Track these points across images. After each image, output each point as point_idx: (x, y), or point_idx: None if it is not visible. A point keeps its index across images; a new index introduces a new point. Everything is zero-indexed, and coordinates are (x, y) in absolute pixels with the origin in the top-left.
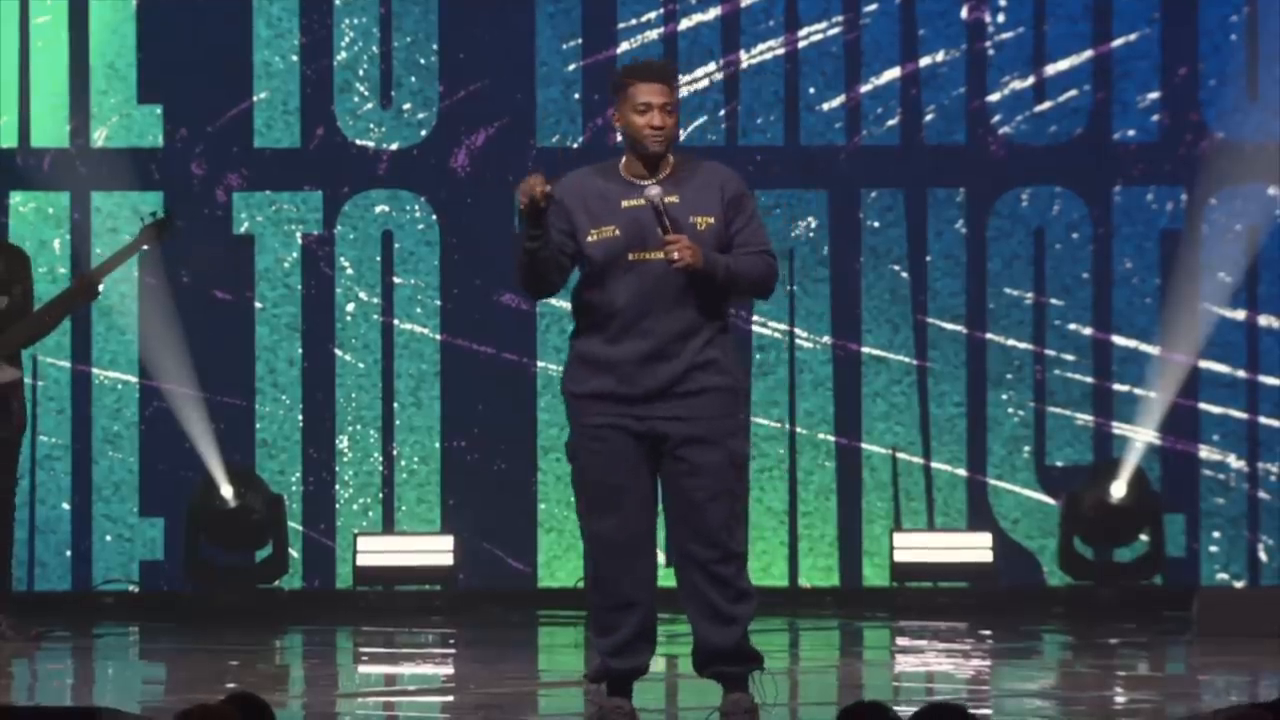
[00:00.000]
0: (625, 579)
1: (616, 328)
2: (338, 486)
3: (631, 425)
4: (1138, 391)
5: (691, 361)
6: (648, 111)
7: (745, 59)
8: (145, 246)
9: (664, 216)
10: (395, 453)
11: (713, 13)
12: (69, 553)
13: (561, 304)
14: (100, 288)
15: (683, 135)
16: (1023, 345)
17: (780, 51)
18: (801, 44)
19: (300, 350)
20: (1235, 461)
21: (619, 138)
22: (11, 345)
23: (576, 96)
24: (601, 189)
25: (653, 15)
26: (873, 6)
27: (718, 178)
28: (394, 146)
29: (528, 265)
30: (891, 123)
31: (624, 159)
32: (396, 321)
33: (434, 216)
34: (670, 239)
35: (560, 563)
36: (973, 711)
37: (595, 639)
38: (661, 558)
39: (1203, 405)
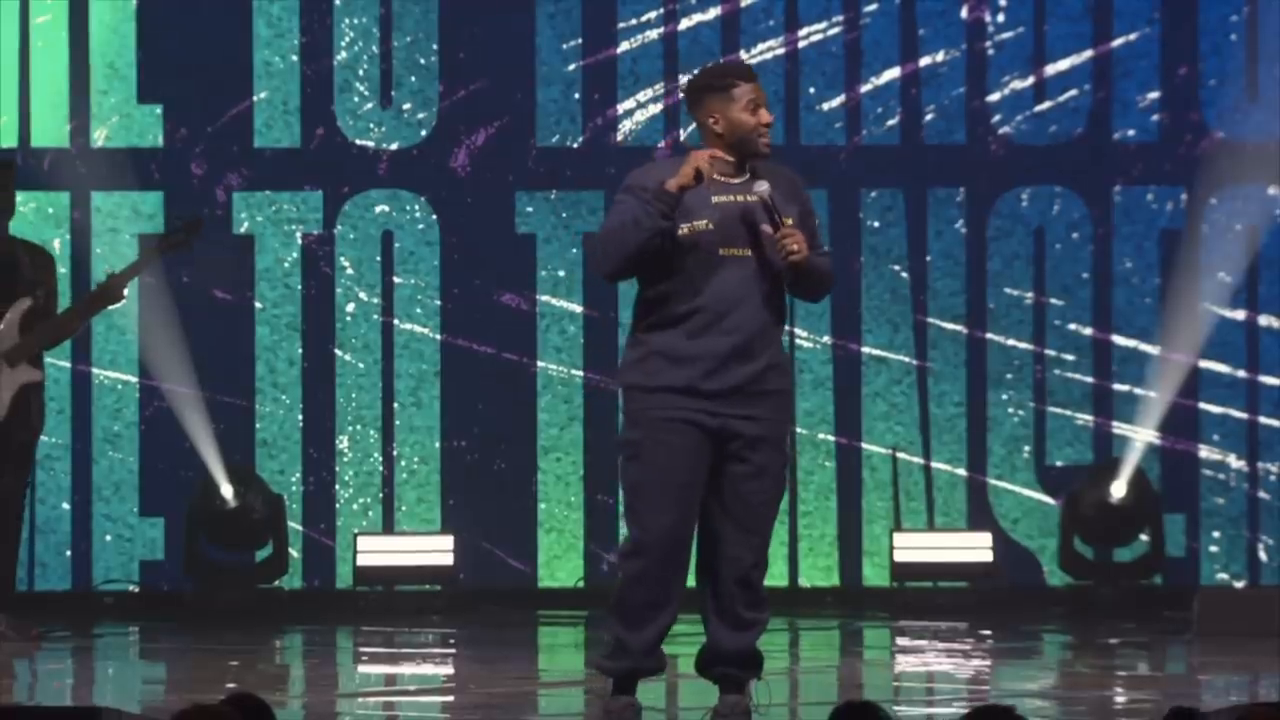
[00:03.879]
0: (674, 576)
1: (701, 322)
2: (338, 486)
3: (705, 421)
4: (1138, 391)
5: (769, 361)
6: (759, 109)
7: (745, 58)
8: (170, 254)
9: (776, 212)
10: (395, 453)
11: (713, 13)
12: (69, 553)
13: (562, 303)
14: (125, 292)
15: (683, 135)
16: (1023, 345)
17: (780, 51)
18: (801, 44)
19: (300, 350)
20: (1235, 461)
21: (619, 138)
22: (35, 347)
23: (576, 96)
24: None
25: (653, 15)
26: (873, 6)
27: (793, 181)
28: (394, 146)
29: (644, 244)
30: (891, 122)
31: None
32: (396, 321)
33: (434, 216)
34: (786, 232)
35: (560, 563)
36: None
37: (625, 633)
38: None
39: (1203, 405)
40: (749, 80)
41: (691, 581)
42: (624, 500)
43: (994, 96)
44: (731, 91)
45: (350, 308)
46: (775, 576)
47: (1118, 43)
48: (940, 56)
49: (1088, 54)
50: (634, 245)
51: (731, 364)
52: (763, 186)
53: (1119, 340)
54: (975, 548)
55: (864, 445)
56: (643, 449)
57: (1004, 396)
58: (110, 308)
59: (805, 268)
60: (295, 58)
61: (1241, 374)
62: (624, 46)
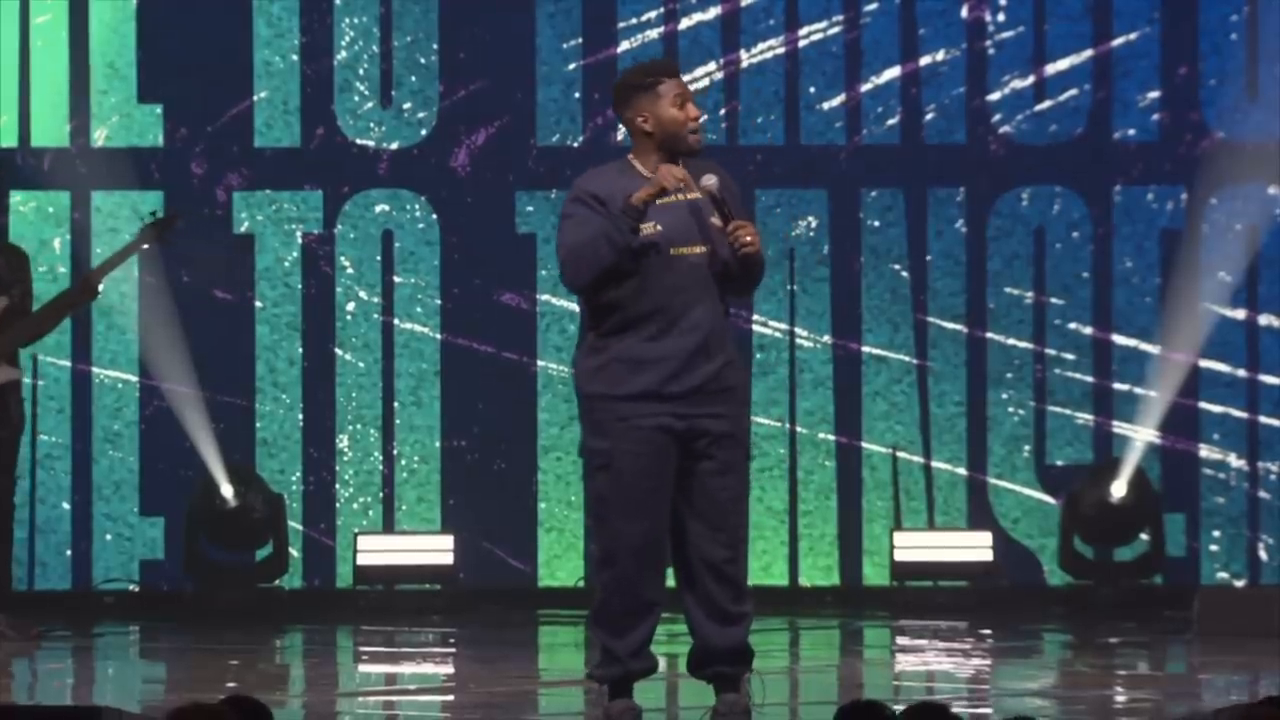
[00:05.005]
0: (650, 581)
1: (659, 324)
2: (338, 486)
3: (673, 424)
4: (1138, 391)
5: (726, 358)
6: (686, 103)
7: (745, 58)
8: (145, 246)
9: (724, 205)
10: (395, 452)
11: (713, 12)
12: (69, 552)
13: (562, 303)
14: (100, 288)
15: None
16: (1023, 344)
17: (780, 51)
18: (801, 43)
19: (300, 350)
20: (1235, 461)
21: (619, 137)
22: (11, 345)
23: (576, 96)
24: (630, 188)
25: (653, 15)
26: (873, 6)
27: (726, 177)
28: (394, 146)
29: (618, 260)
30: (891, 122)
31: (638, 159)
32: (396, 321)
33: (434, 216)
34: (738, 225)
35: (560, 562)
36: (957, 711)
37: (610, 641)
38: None
39: (1203, 404)
40: (674, 76)
41: (671, 583)
42: (591, 510)
43: (994, 96)
44: (657, 89)
45: (350, 307)
46: (775, 576)
47: (1118, 42)
48: (940, 56)
49: (1088, 54)
50: (609, 261)
51: (694, 364)
52: (710, 180)
53: (1119, 340)
54: (975, 547)
55: (864, 445)
56: (612, 458)
57: (1004, 396)
58: (90, 303)
59: (757, 259)
60: (295, 57)
61: (1241, 373)
62: (624, 46)
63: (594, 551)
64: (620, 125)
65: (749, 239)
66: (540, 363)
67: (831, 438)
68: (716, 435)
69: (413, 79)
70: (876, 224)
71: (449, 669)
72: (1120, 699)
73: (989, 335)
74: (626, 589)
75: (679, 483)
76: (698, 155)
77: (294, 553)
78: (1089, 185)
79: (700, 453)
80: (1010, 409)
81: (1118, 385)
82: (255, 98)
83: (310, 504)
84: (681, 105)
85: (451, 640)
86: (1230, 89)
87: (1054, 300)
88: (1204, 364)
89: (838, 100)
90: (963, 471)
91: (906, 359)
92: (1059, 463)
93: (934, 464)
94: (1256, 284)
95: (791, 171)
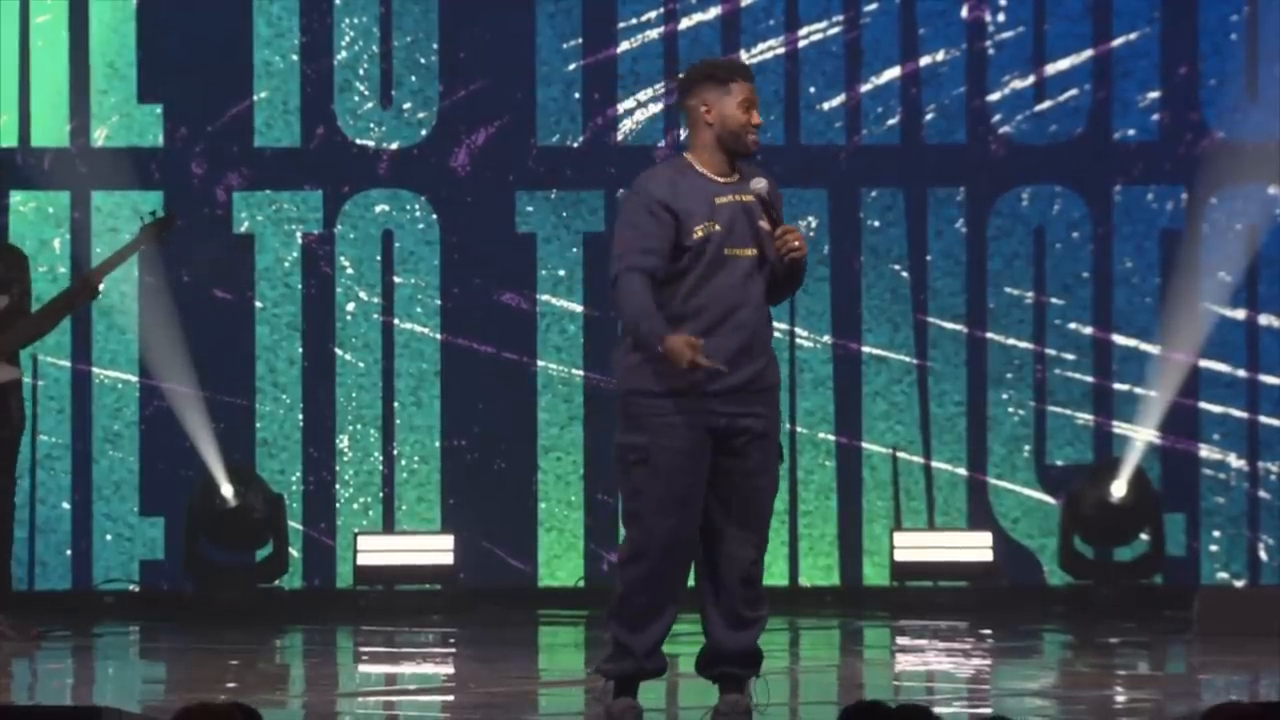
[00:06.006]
0: (676, 579)
1: (708, 321)
2: (338, 486)
3: (712, 422)
4: (1138, 391)
5: (768, 358)
6: (751, 109)
7: (745, 58)
8: (145, 246)
9: (773, 209)
10: (395, 452)
11: (713, 12)
12: (69, 552)
13: (562, 303)
14: (100, 287)
15: (682, 134)
16: (1023, 344)
17: (780, 51)
18: (802, 43)
19: (300, 350)
20: (1235, 461)
21: (619, 137)
22: (11, 345)
23: (576, 96)
24: (693, 186)
25: (653, 15)
26: (873, 6)
27: (774, 182)
28: (394, 146)
29: (636, 340)
30: (891, 122)
31: (695, 157)
32: (396, 321)
33: (434, 216)
34: (788, 228)
35: (560, 562)
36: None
37: (626, 636)
38: None
39: (1203, 404)
40: (748, 80)
41: (690, 581)
42: (626, 504)
43: (994, 96)
44: (730, 85)
45: (350, 307)
46: (775, 576)
47: (1118, 42)
48: (940, 56)
49: (1088, 54)
50: (633, 336)
51: (738, 362)
52: (760, 184)
53: (1119, 340)
54: (975, 547)
55: (864, 445)
56: (650, 454)
57: (1004, 396)
58: (89, 302)
59: (803, 264)
60: (295, 57)
61: (1241, 373)
62: (624, 46)
63: (622, 546)
64: (619, 125)
65: (797, 244)
66: (540, 363)
67: (831, 438)
68: (755, 434)
69: (413, 79)
70: (876, 224)
71: (449, 669)
72: (1120, 699)
73: (989, 335)
74: (652, 585)
75: (712, 480)
76: (753, 157)
77: (294, 553)
78: (1089, 185)
79: (737, 450)
80: (1010, 409)
81: (1118, 385)
82: (255, 98)
83: (310, 504)
84: (747, 110)
85: (451, 640)
86: (1230, 89)
87: (1054, 300)
88: (1204, 364)
89: (838, 100)
90: (963, 471)
91: (906, 359)
92: (1059, 463)
93: (934, 464)
94: (1256, 284)
95: (791, 171)
